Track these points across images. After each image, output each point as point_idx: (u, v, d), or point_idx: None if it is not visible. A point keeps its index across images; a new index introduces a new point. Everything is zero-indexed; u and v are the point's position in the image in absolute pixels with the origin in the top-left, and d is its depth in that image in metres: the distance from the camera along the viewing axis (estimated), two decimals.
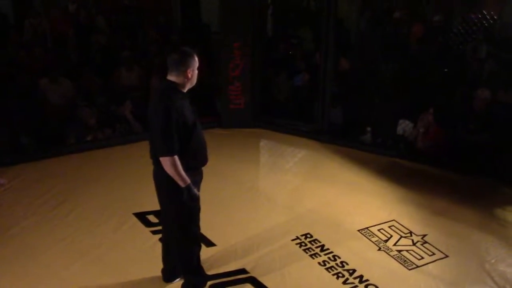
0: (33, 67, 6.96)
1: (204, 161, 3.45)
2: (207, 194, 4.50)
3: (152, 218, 4.52)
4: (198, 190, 3.43)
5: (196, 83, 3.32)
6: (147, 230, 4.37)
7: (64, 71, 6.91)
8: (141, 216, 4.54)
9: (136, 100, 6.61)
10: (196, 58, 3.26)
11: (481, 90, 5.75)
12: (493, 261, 4.21)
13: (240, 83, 6.81)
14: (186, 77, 3.21)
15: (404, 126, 6.35)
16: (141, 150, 5.91)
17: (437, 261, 4.18)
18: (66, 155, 5.70)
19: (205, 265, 3.86)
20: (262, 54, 7.09)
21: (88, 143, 5.95)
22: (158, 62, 7.44)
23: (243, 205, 4.88)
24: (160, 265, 3.74)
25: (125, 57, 7.29)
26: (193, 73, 3.25)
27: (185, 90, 3.26)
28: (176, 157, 3.15)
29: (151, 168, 5.48)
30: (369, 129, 6.44)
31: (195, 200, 3.34)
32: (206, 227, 4.32)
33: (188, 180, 3.24)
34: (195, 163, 3.37)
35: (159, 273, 3.74)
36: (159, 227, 4.37)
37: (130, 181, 5.18)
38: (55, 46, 7.87)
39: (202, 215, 4.37)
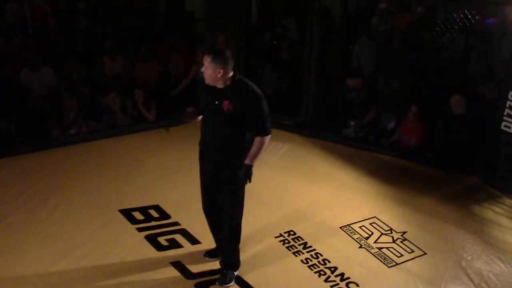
0: (14, 55, 6.85)
1: (202, 144, 3.72)
2: (190, 189, 4.57)
3: (138, 215, 4.55)
4: (201, 166, 3.76)
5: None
6: (133, 227, 4.38)
7: (46, 60, 6.83)
8: (127, 213, 4.56)
9: (120, 91, 6.57)
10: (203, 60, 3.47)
11: (453, 96, 5.86)
12: (469, 258, 4.36)
13: None
14: None
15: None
16: (127, 144, 5.99)
17: (415, 259, 4.32)
18: (49, 149, 5.63)
19: (190, 263, 3.96)
20: (247, 45, 7.08)
21: (73, 136, 5.89)
22: (144, 50, 7.40)
23: None
24: (150, 262, 3.92)
25: (109, 46, 7.22)
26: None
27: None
28: None
29: (136, 162, 5.56)
30: (352, 123, 6.52)
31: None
32: (190, 224, 4.42)
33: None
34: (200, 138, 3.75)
35: (147, 270, 3.84)
36: (145, 224, 4.45)
37: (116, 177, 5.17)
38: (36, 33, 7.74)
39: (188, 212, 4.40)
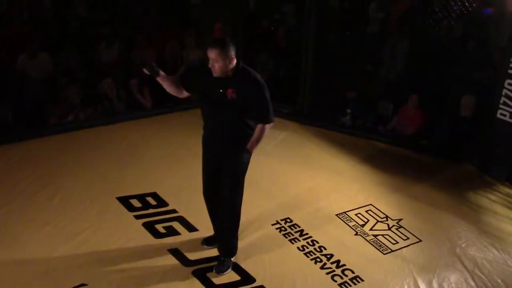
0: (10, 41, 6.81)
1: (205, 131, 3.71)
2: (188, 176, 4.58)
3: (135, 203, 4.57)
4: (204, 153, 3.76)
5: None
6: (131, 214, 4.41)
7: (42, 46, 6.80)
8: (124, 201, 4.58)
9: (116, 78, 6.56)
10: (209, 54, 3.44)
11: (467, 97, 5.84)
12: (463, 245, 4.42)
13: None
14: None
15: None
16: (124, 131, 5.99)
17: (410, 246, 4.37)
18: (47, 136, 5.63)
19: (187, 250, 4.00)
20: (244, 31, 7.05)
21: (70, 123, 5.87)
22: (141, 36, 7.36)
23: None
24: (147, 249, 3.95)
25: (106, 32, 7.18)
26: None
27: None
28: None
29: (134, 150, 5.56)
30: (349, 111, 6.53)
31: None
32: (188, 212, 4.45)
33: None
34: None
35: (145, 257, 3.87)
36: (143, 212, 4.47)
37: (113, 164, 5.18)
38: (32, 19, 7.68)
39: (185, 199, 4.40)
